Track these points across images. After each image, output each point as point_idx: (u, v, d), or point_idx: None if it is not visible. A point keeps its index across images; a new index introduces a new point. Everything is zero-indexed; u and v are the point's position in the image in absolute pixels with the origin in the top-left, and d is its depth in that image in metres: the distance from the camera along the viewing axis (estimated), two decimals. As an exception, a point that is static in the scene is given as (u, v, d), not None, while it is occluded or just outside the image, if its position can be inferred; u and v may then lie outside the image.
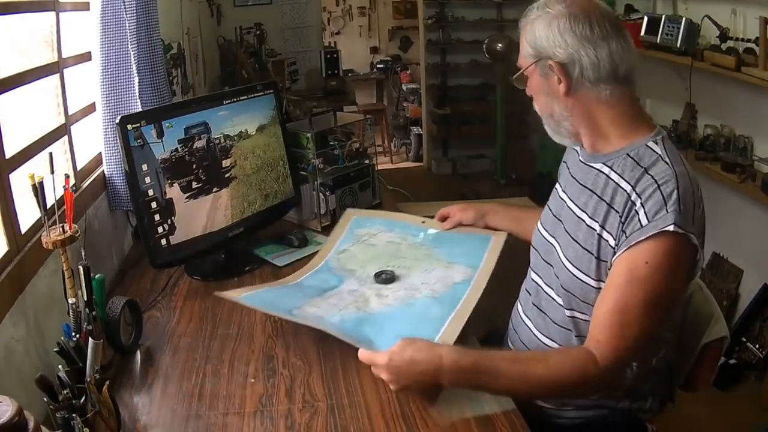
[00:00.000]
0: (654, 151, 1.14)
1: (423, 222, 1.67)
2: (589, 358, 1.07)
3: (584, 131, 1.21)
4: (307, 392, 1.20)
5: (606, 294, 1.11)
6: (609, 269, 1.13)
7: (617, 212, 1.12)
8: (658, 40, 3.01)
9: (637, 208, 1.09)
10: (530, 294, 1.35)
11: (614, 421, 1.27)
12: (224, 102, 1.71)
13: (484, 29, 5.36)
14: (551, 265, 1.27)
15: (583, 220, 1.19)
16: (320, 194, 1.95)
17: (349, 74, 6.49)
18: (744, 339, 2.77)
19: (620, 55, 1.14)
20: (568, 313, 1.22)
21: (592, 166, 1.22)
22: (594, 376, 1.07)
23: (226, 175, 1.70)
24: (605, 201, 1.15)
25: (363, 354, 1.11)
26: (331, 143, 2.03)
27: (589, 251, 1.16)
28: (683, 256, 1.08)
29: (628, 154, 1.16)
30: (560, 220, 1.27)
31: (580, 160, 1.27)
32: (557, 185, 1.35)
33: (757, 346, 2.73)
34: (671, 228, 1.04)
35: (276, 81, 2.34)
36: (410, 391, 1.09)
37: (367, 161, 2.09)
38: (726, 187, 2.83)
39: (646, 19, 3.15)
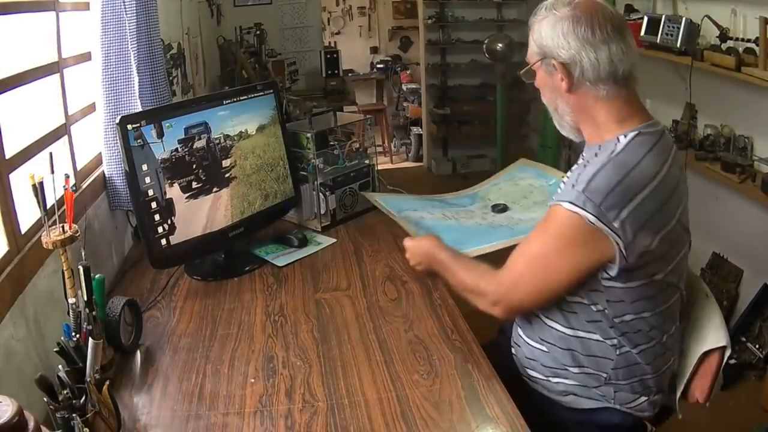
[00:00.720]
0: (617, 142, 1.21)
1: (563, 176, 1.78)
2: (492, 284, 1.30)
3: (584, 126, 1.28)
4: (307, 392, 1.20)
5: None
6: None
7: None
8: (658, 40, 3.00)
9: (564, 183, 1.25)
10: None
11: (610, 418, 1.29)
12: (224, 102, 1.71)
13: (484, 29, 5.36)
14: None
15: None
16: (320, 194, 1.95)
17: (349, 74, 6.48)
18: (744, 339, 2.77)
19: (620, 57, 1.19)
20: None
21: (583, 156, 1.31)
22: (487, 291, 1.30)
23: (226, 175, 1.70)
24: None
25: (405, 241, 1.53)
26: (331, 143, 2.04)
27: None
28: (572, 231, 1.17)
29: (599, 146, 1.24)
30: None
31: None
32: None
33: (757, 346, 2.72)
34: (565, 205, 1.16)
35: (276, 81, 2.35)
36: (421, 268, 1.48)
37: (367, 161, 2.09)
38: (726, 187, 2.83)
39: (646, 19, 3.14)
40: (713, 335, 1.32)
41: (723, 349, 1.32)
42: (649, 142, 1.20)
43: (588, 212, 1.12)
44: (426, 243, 1.48)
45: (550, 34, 1.22)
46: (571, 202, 1.15)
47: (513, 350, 1.43)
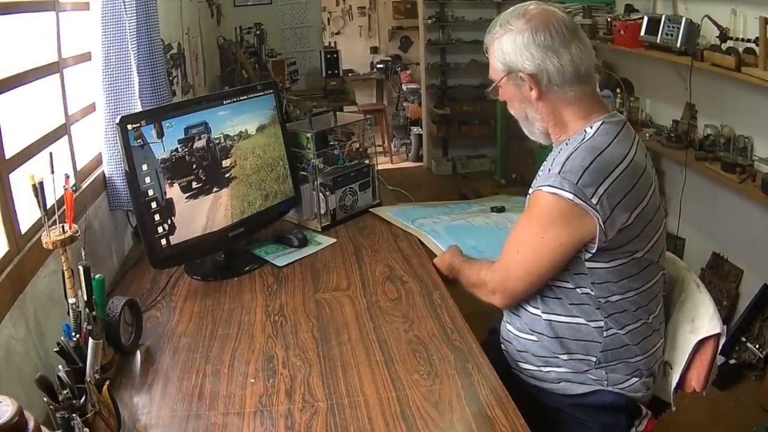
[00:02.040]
0: (584, 132, 1.29)
1: None
2: (489, 271, 1.41)
3: (553, 128, 1.35)
4: (307, 392, 1.20)
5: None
6: None
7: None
8: (658, 40, 3.00)
9: (542, 170, 1.29)
10: None
11: (603, 399, 1.32)
12: (224, 102, 1.71)
13: (484, 29, 5.27)
14: None
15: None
16: (320, 194, 1.95)
17: (349, 74, 6.49)
18: (744, 339, 2.77)
19: (580, 57, 1.27)
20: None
21: (552, 154, 1.35)
22: (485, 281, 1.41)
23: (226, 175, 1.70)
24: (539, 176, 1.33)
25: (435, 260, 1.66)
26: (331, 143, 2.03)
27: None
28: (553, 212, 1.24)
29: (568, 139, 1.31)
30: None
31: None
32: None
33: (757, 346, 2.72)
34: (545, 188, 1.23)
35: (276, 81, 2.34)
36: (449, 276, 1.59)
37: (367, 161, 2.09)
38: (726, 187, 2.83)
39: (646, 19, 3.14)
40: (707, 324, 1.34)
41: (717, 336, 1.33)
42: (614, 130, 1.28)
43: (566, 191, 1.20)
44: (448, 255, 1.62)
45: (512, 49, 1.29)
46: (549, 185, 1.22)
47: (503, 346, 1.48)
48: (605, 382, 1.32)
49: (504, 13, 1.37)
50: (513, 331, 1.43)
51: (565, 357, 1.33)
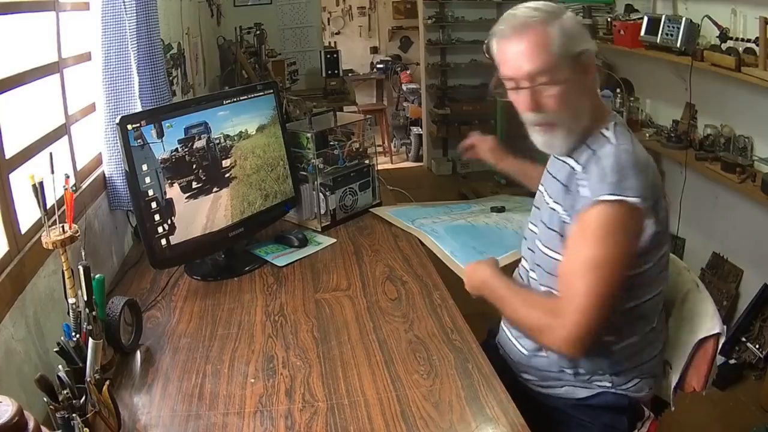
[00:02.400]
0: (605, 135, 1.24)
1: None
2: (558, 316, 1.18)
3: (584, 128, 1.26)
4: (307, 392, 1.20)
5: (565, 255, 1.22)
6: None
7: (570, 191, 1.24)
8: (658, 40, 3.00)
9: (582, 182, 1.20)
10: (521, 278, 1.43)
11: (606, 400, 1.30)
12: (224, 102, 1.71)
13: (484, 29, 5.28)
14: (533, 251, 1.36)
15: (548, 204, 1.31)
16: (320, 194, 1.95)
17: (349, 74, 6.48)
18: (744, 339, 2.77)
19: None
20: (544, 289, 1.32)
21: (564, 160, 1.30)
22: (553, 329, 1.18)
23: (226, 175, 1.70)
24: (564, 184, 1.27)
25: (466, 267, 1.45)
26: (331, 143, 2.03)
27: (555, 231, 1.27)
28: (624, 220, 1.15)
29: (586, 144, 1.25)
30: (539, 209, 1.38)
31: (555, 157, 1.36)
32: (541, 185, 1.44)
33: (757, 346, 2.72)
34: (607, 197, 1.14)
35: (276, 81, 2.35)
36: (475, 294, 1.38)
37: (367, 161, 2.09)
38: (726, 187, 2.83)
39: (646, 19, 3.14)
40: (707, 323, 1.34)
41: (717, 336, 1.33)
42: (626, 130, 1.26)
43: (631, 197, 1.13)
44: (483, 271, 1.37)
45: (573, 28, 1.20)
46: (611, 194, 1.14)
47: (501, 351, 1.45)
48: (609, 385, 1.31)
49: (517, 12, 1.22)
50: (518, 346, 1.38)
51: (571, 372, 1.31)
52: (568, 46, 1.18)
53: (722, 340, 1.34)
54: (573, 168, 1.26)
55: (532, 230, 1.39)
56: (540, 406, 1.34)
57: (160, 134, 1.53)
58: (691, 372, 1.36)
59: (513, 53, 1.20)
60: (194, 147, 1.61)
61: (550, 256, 1.28)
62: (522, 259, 1.45)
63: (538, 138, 1.27)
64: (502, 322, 1.47)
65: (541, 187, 1.41)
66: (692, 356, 1.35)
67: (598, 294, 1.14)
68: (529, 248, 1.39)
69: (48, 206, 1.17)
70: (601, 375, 1.30)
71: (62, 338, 1.14)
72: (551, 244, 1.28)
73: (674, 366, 1.38)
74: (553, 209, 1.29)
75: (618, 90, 3.51)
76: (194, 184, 1.62)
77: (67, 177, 1.23)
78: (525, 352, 1.36)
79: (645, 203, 1.14)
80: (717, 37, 2.75)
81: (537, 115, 1.23)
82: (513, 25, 1.21)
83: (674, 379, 1.37)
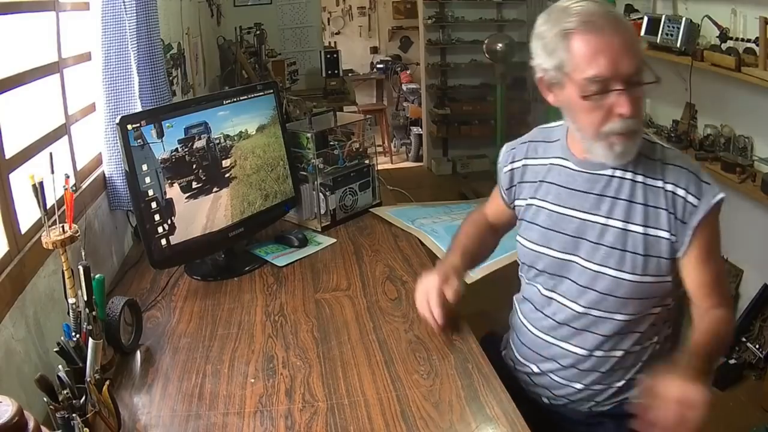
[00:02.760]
0: (652, 141, 1.21)
1: None
2: (730, 315, 1.21)
3: None
4: (307, 392, 1.20)
5: (699, 269, 1.18)
6: (668, 259, 1.17)
7: (662, 209, 1.16)
8: (658, 40, 3.00)
9: (682, 195, 1.15)
10: (542, 312, 1.31)
11: (618, 402, 1.28)
12: (224, 102, 1.71)
13: (484, 29, 5.36)
14: (571, 280, 1.25)
15: (614, 227, 1.19)
16: (320, 194, 1.95)
17: (349, 74, 6.48)
18: (744, 339, 2.77)
19: None
20: (600, 314, 1.22)
21: (599, 174, 1.21)
22: (729, 313, 1.21)
23: (226, 175, 1.70)
24: (638, 203, 1.18)
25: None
26: (331, 143, 2.04)
27: (632, 252, 1.18)
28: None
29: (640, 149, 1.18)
30: (576, 236, 1.23)
31: (576, 170, 1.25)
32: (540, 201, 1.30)
33: (757, 346, 2.72)
34: (721, 195, 1.14)
35: (276, 81, 2.35)
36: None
37: (367, 161, 2.09)
38: (726, 187, 2.80)
39: (646, 19, 3.14)
40: None
41: None
42: None
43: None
44: (697, 394, 1.06)
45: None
46: (716, 194, 1.15)
47: (512, 364, 1.41)
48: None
49: (588, 6, 1.10)
50: (536, 365, 1.33)
51: (579, 386, 1.28)
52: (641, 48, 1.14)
53: None
54: (637, 181, 1.17)
55: (562, 258, 1.25)
56: (542, 411, 1.32)
57: (160, 134, 1.53)
58: None
59: (610, 47, 1.07)
60: (194, 147, 1.61)
61: (622, 278, 1.18)
62: (546, 296, 1.30)
63: (617, 147, 1.13)
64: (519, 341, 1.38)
65: (563, 209, 1.26)
66: None
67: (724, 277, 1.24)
68: (571, 279, 1.25)
69: (48, 206, 1.17)
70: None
71: (62, 338, 1.14)
72: (623, 266, 1.18)
73: None
74: (611, 226, 1.19)
75: (618, 90, 3.51)
76: (194, 184, 1.62)
77: (67, 177, 1.23)
78: (578, 386, 1.29)
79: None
80: (717, 37, 2.75)
81: (633, 121, 1.11)
82: (603, 14, 1.09)
83: None
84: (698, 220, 1.14)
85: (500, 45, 4.70)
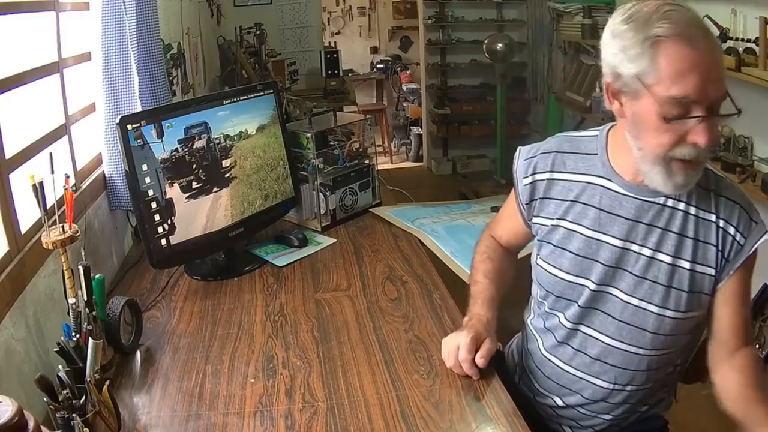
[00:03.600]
0: (705, 167, 1.11)
1: None
2: (758, 357, 1.15)
3: None
4: (307, 392, 1.20)
5: (734, 310, 1.13)
6: (709, 294, 1.13)
7: (711, 245, 1.10)
8: (658, 40, 3.00)
9: (732, 233, 1.10)
10: (567, 344, 1.24)
11: (644, 424, 1.28)
12: (224, 102, 1.71)
13: (484, 29, 5.36)
14: (605, 312, 1.18)
15: (662, 261, 1.12)
16: (320, 194, 1.95)
17: (349, 74, 6.49)
18: (744, 339, 2.77)
19: None
20: (631, 349, 1.17)
21: (651, 201, 1.12)
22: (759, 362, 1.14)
23: (226, 175, 1.70)
24: (689, 237, 1.11)
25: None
26: (331, 143, 2.04)
27: (677, 288, 1.12)
28: None
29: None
30: (615, 266, 1.15)
31: (623, 194, 1.14)
32: (572, 224, 1.19)
33: (757, 346, 2.72)
34: (765, 238, 1.09)
35: (276, 81, 2.35)
36: None
37: (367, 161, 2.09)
38: (726, 187, 2.83)
39: (646, 19, 3.14)
40: None
41: None
42: None
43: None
44: None
45: None
46: (762, 234, 1.10)
47: (534, 392, 1.34)
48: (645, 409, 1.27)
49: (679, 11, 0.98)
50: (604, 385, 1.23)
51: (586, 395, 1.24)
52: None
53: None
54: (690, 213, 1.11)
55: (596, 290, 1.16)
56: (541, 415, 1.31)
57: (160, 134, 1.53)
58: (696, 367, 1.35)
59: (703, 67, 0.94)
60: (194, 147, 1.61)
61: (663, 315, 1.12)
62: (571, 328, 1.21)
63: (678, 177, 1.03)
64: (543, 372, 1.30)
65: (601, 236, 1.15)
66: (696, 354, 1.34)
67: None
68: (605, 312, 1.17)
69: (48, 206, 1.17)
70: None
71: (62, 338, 1.14)
72: (667, 303, 1.12)
73: (678, 365, 1.37)
74: (658, 260, 1.12)
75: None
76: (194, 184, 1.62)
77: (67, 177, 1.23)
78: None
79: None
80: (717, 37, 2.75)
81: (704, 152, 1.01)
82: (699, 26, 0.97)
83: (681, 374, 1.37)
84: (742, 260, 1.09)
85: (500, 45, 4.70)
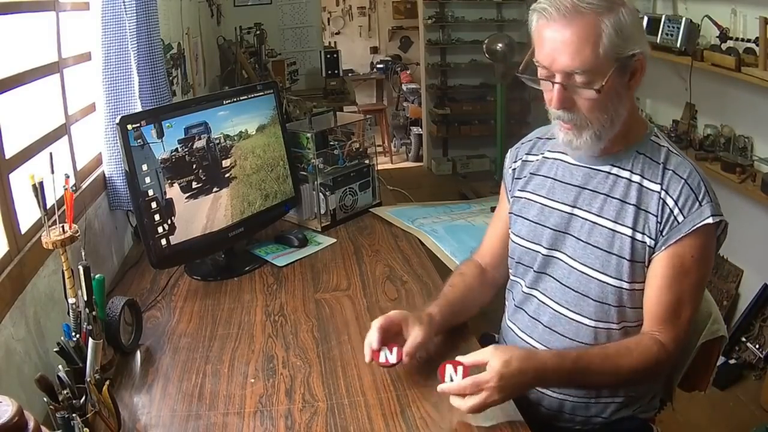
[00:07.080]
0: (660, 145, 1.17)
1: None
2: (660, 346, 1.11)
3: (621, 131, 1.14)
4: (307, 392, 1.20)
5: (657, 287, 1.13)
6: (646, 267, 1.14)
7: (652, 214, 1.12)
8: (658, 40, 3.01)
9: (671, 206, 1.11)
10: (523, 309, 1.30)
11: (620, 424, 1.27)
12: (224, 102, 1.71)
13: (484, 29, 5.36)
14: (553, 277, 1.23)
15: (603, 226, 1.16)
16: (320, 194, 1.95)
17: (349, 74, 6.49)
18: (744, 339, 2.77)
19: None
20: (577, 317, 1.20)
21: (597, 169, 1.18)
22: (665, 361, 1.12)
23: (226, 175, 1.70)
24: (631, 203, 1.14)
25: (459, 386, 1.04)
26: (331, 143, 2.04)
27: (618, 255, 1.14)
28: (715, 239, 1.13)
29: (637, 152, 1.16)
30: (562, 231, 1.21)
31: (573, 163, 1.22)
32: (530, 195, 1.28)
33: (757, 346, 2.73)
34: (710, 220, 1.08)
35: (276, 81, 2.34)
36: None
37: (367, 161, 2.09)
38: (726, 187, 2.83)
39: (646, 19, 3.14)
40: (711, 326, 1.33)
41: (721, 338, 1.33)
42: (666, 137, 1.21)
43: (723, 215, 1.11)
44: (517, 369, 1.03)
45: (630, 29, 1.05)
46: (713, 215, 1.09)
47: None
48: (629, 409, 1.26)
49: None
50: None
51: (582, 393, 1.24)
52: (619, 47, 1.04)
53: (724, 344, 1.34)
54: (633, 181, 1.14)
55: (546, 255, 1.22)
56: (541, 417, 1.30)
57: (160, 134, 1.53)
58: (693, 373, 1.36)
59: (553, 40, 1.05)
60: (194, 147, 1.61)
61: (607, 282, 1.15)
62: (527, 293, 1.28)
63: (560, 134, 1.15)
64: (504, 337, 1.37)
65: (552, 203, 1.23)
66: (694, 358, 1.35)
67: (692, 320, 1.14)
68: (553, 277, 1.22)
69: (48, 206, 1.17)
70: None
71: (62, 338, 1.14)
72: (608, 269, 1.15)
73: (677, 367, 1.37)
74: (599, 225, 1.16)
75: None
76: (194, 184, 1.62)
77: (67, 177, 1.22)
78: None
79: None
80: (717, 37, 2.75)
81: (565, 114, 1.11)
82: (560, 7, 1.04)
83: (676, 380, 1.37)
84: (677, 238, 1.09)
85: (500, 45, 4.70)
